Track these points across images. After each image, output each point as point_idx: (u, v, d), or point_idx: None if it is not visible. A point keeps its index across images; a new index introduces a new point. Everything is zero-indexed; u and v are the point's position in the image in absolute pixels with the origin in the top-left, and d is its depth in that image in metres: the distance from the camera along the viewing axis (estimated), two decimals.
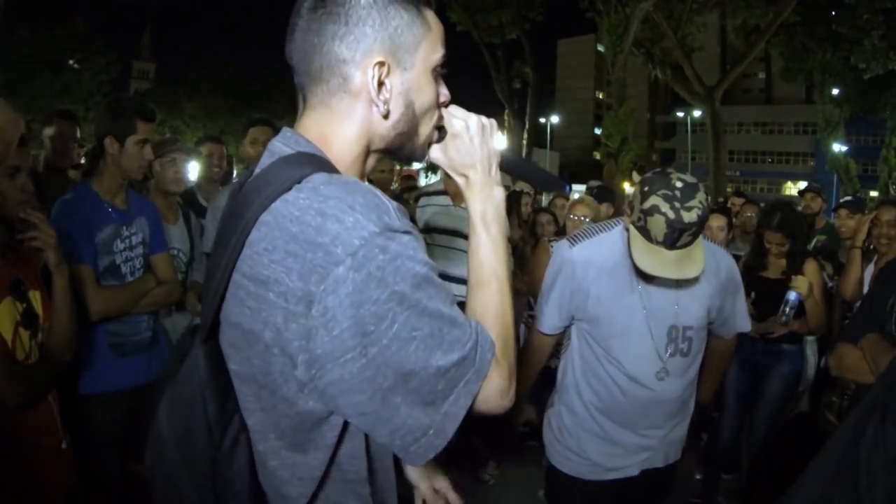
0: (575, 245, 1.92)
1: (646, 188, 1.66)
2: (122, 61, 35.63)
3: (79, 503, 1.82)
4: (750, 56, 20.55)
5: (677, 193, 1.63)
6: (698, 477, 3.81)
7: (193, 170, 3.62)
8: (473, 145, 0.96)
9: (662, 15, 18.49)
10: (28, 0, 23.74)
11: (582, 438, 1.99)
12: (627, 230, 1.76)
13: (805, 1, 17.88)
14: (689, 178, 1.70)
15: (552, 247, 3.73)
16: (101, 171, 2.28)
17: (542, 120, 38.10)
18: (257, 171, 0.89)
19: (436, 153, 0.99)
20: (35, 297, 1.70)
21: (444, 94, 0.95)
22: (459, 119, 0.97)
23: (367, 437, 0.90)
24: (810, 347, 3.50)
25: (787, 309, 3.06)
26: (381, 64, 0.86)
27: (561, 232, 3.98)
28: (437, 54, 0.91)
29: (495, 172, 0.98)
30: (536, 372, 2.14)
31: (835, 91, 24.01)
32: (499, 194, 0.97)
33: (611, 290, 1.87)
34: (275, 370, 0.81)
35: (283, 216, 0.79)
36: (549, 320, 2.00)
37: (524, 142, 24.23)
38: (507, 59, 24.47)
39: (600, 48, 33.83)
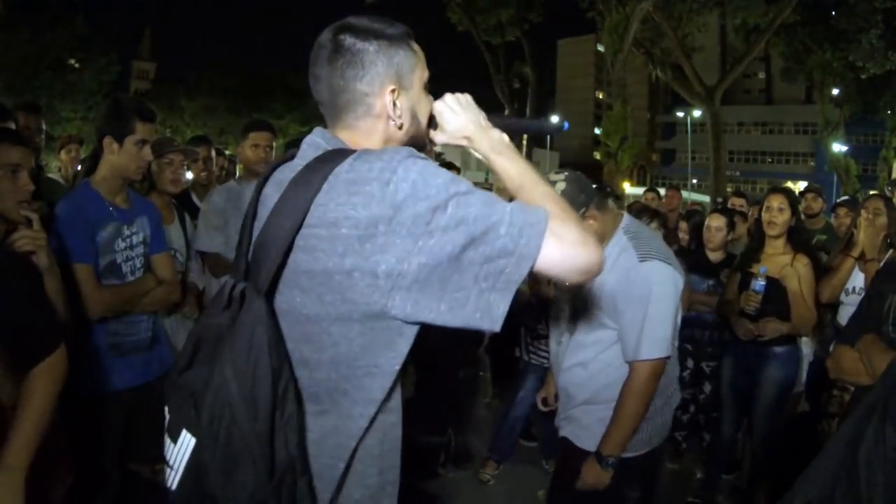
0: None
1: None
2: (123, 61, 35.62)
3: (78, 503, 1.82)
4: (750, 56, 20.55)
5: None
6: (699, 476, 3.82)
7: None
8: (456, 113, 1.23)
9: (662, 15, 18.48)
10: (29, 0, 23.69)
11: None
12: None
13: (805, 1, 17.86)
14: (562, 176, 1.95)
15: None
16: (100, 171, 2.28)
17: None
18: (300, 161, 1.12)
19: (439, 136, 1.25)
20: None
21: (432, 100, 1.24)
22: (439, 103, 1.23)
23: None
24: (807, 347, 3.50)
25: (754, 300, 3.07)
26: (393, 91, 1.13)
27: None
28: (426, 73, 1.20)
29: (486, 123, 1.24)
30: None
31: (835, 91, 23.97)
32: (496, 133, 1.23)
33: None
34: (352, 294, 1.01)
35: (338, 175, 1.04)
36: None
37: (524, 142, 24.20)
38: (507, 59, 24.46)
39: (600, 48, 33.79)
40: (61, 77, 26.95)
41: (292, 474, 1.00)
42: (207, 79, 35.59)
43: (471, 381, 4.78)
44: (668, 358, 2.00)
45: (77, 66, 28.02)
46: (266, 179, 1.19)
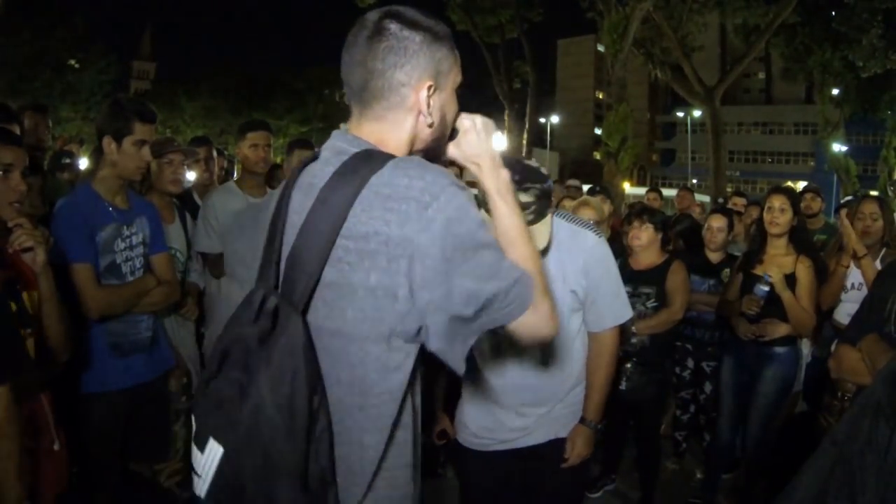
0: None
1: None
2: (123, 61, 35.69)
3: (78, 503, 1.82)
4: (750, 56, 20.53)
5: (516, 178, 1.82)
6: (699, 476, 3.82)
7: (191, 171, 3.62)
8: (480, 139, 1.20)
9: (662, 15, 18.46)
10: (29, 0, 23.71)
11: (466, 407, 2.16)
12: None
13: (805, 1, 17.86)
14: (535, 164, 1.90)
15: None
16: (100, 171, 2.28)
17: (542, 120, 38.06)
18: (324, 167, 1.10)
19: (452, 150, 1.23)
20: (31, 298, 1.70)
21: (458, 107, 1.22)
22: (468, 120, 1.21)
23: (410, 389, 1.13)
24: (805, 348, 3.50)
25: (755, 303, 3.08)
26: (430, 86, 1.11)
27: None
28: (459, 77, 1.18)
29: (498, 158, 1.22)
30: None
31: (835, 91, 23.95)
32: (505, 174, 1.21)
33: None
34: (373, 312, 1.03)
35: (374, 185, 1.03)
36: None
37: (524, 142, 24.20)
38: (507, 59, 24.46)
39: (600, 48, 33.81)
40: (61, 77, 26.97)
41: (324, 487, 1.02)
42: (207, 79, 35.63)
43: None
44: None
45: (77, 66, 28.05)
46: (292, 182, 1.16)
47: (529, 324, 1.07)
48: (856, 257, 3.23)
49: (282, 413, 0.97)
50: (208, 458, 1.00)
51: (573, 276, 2.01)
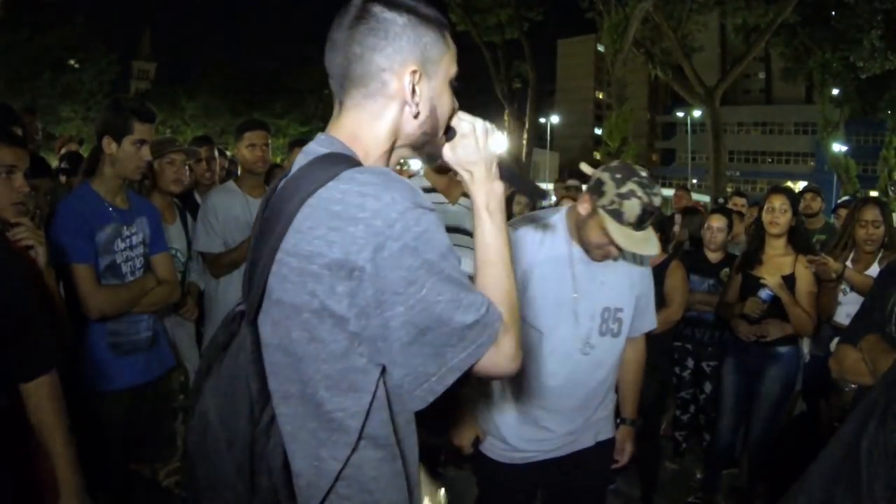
0: (518, 228, 1.99)
1: (618, 175, 1.83)
2: (123, 61, 35.71)
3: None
4: (750, 56, 20.51)
5: (645, 181, 1.83)
6: (699, 476, 3.82)
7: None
8: (478, 145, 1.09)
9: (662, 15, 18.47)
10: (29, 1, 23.72)
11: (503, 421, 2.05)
12: (588, 214, 1.87)
13: (805, 1, 17.86)
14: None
15: None
16: (100, 171, 2.28)
17: (542, 120, 38.05)
18: (294, 170, 1.02)
19: (446, 153, 1.12)
20: None
21: (455, 102, 1.11)
22: (468, 122, 1.11)
23: (391, 406, 1.02)
24: (805, 347, 3.50)
25: (759, 307, 3.09)
26: (415, 72, 1.01)
27: None
28: (454, 69, 1.08)
29: (495, 170, 1.11)
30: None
31: (835, 91, 23.95)
32: (498, 188, 1.10)
33: (551, 270, 1.95)
34: (321, 334, 0.94)
35: (326, 199, 0.94)
36: None
37: (524, 142, 24.18)
38: (507, 59, 24.44)
39: (600, 48, 33.81)
40: (61, 77, 26.98)
41: (274, 500, 0.99)
42: (207, 79, 35.64)
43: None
44: None
45: (77, 66, 28.06)
46: (275, 185, 1.09)
47: (487, 364, 0.96)
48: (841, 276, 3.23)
49: (222, 424, 0.99)
50: None
51: (638, 281, 2.07)
